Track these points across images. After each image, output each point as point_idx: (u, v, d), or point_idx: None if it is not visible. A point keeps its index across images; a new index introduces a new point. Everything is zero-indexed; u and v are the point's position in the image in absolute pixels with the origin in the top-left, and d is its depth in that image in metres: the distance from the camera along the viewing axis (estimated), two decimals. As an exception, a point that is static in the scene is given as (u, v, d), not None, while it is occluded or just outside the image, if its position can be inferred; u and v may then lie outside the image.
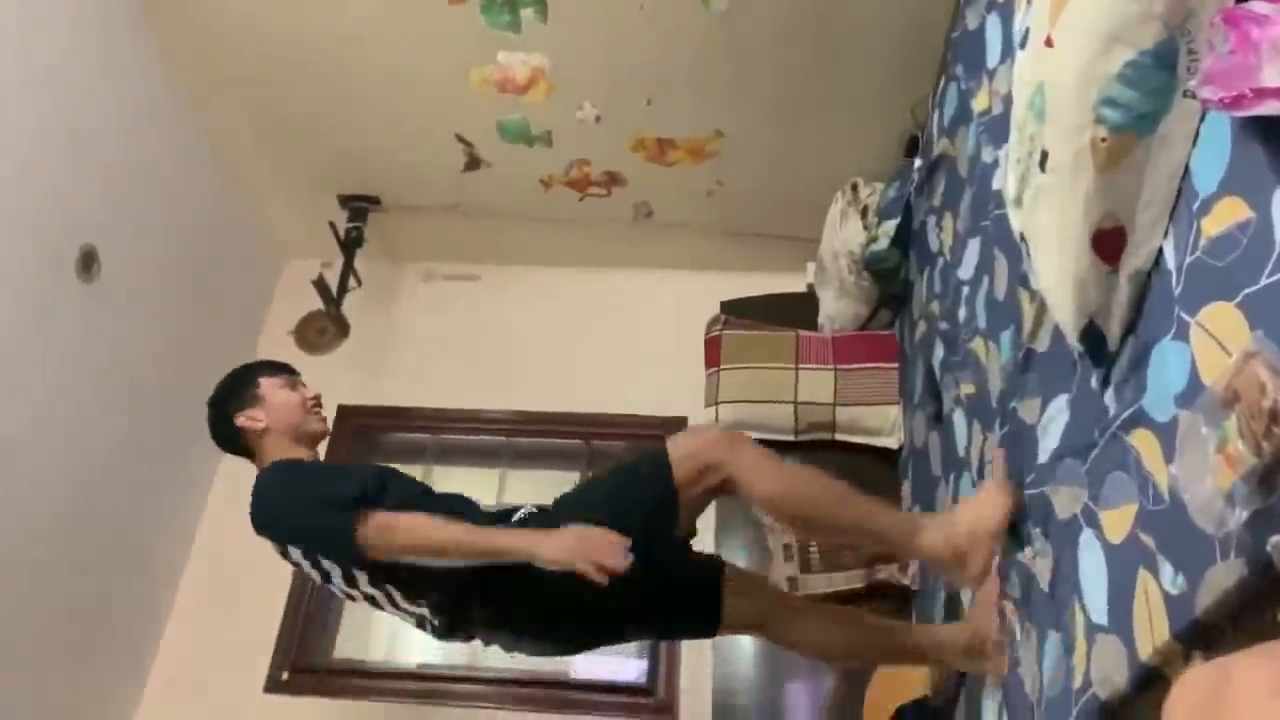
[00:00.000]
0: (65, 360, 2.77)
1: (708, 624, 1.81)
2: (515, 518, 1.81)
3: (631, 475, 1.81)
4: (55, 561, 2.78)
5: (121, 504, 3.04)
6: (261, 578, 3.24)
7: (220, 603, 3.24)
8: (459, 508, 1.79)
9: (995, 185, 1.86)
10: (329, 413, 3.36)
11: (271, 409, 1.93)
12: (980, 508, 1.66)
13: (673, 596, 1.80)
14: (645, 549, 1.65)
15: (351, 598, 1.82)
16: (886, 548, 1.99)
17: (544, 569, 1.63)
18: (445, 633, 1.83)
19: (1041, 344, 1.59)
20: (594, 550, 1.60)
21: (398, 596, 1.77)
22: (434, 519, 1.66)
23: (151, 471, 3.17)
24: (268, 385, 1.95)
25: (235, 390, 1.96)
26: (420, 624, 1.85)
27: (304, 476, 1.84)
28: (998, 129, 1.84)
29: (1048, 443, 1.52)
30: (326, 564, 1.76)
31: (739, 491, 1.74)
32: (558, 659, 2.77)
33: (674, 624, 1.90)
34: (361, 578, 1.75)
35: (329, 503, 1.70)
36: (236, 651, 3.16)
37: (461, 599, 1.77)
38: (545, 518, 1.79)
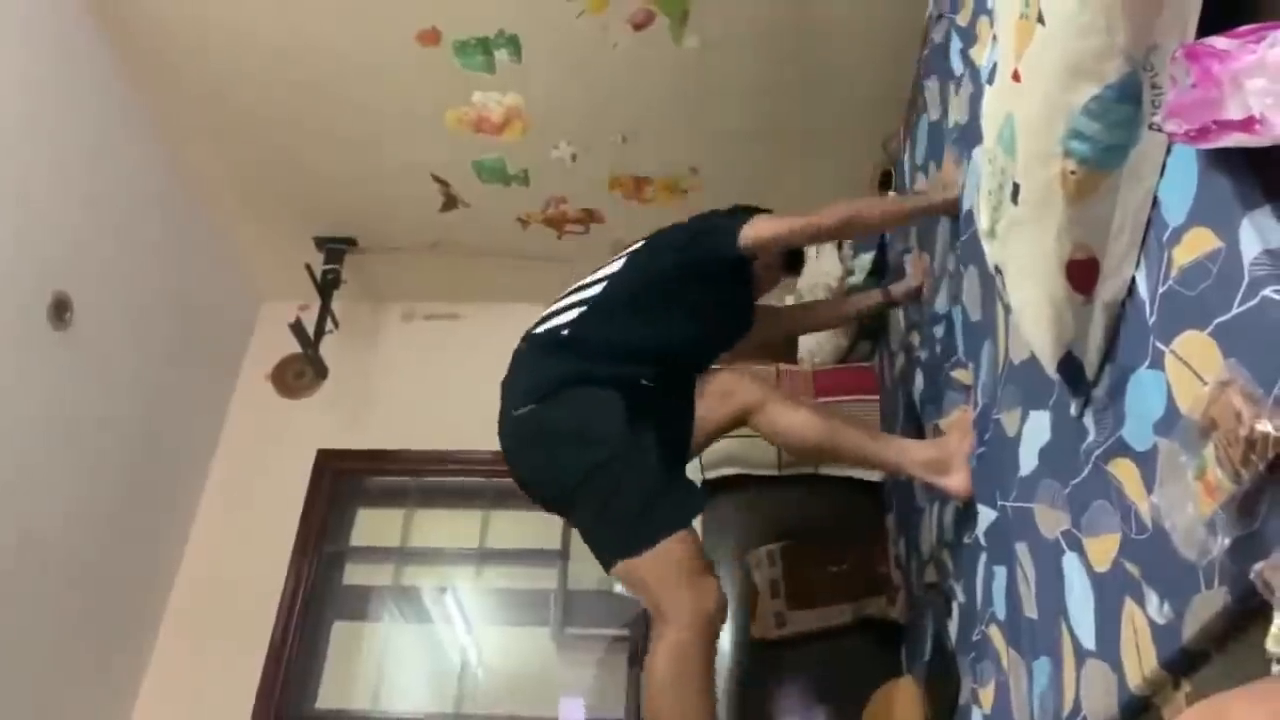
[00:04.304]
0: (39, 410, 2.73)
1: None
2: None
3: None
4: (28, 614, 2.72)
5: (97, 554, 2.98)
6: (242, 628, 3.20)
7: (201, 653, 3.18)
8: None
9: (966, 206, 1.88)
10: (307, 459, 3.36)
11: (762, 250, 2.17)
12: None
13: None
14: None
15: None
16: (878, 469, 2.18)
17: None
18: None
19: (1017, 355, 1.60)
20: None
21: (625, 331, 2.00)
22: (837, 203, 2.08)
23: (128, 521, 3.12)
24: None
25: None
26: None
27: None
28: (968, 140, 1.87)
29: (1029, 457, 1.53)
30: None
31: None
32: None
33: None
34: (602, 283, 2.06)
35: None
36: (218, 703, 3.10)
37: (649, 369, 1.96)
38: None
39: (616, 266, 2.10)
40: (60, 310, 2.78)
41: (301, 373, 3.67)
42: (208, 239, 3.57)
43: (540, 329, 2.04)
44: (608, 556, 1.85)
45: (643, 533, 1.79)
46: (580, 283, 2.11)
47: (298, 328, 3.41)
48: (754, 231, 2.00)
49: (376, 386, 3.70)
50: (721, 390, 1.99)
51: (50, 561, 2.80)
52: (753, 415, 1.98)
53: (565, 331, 2.00)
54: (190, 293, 3.47)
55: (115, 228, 3.05)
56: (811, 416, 1.99)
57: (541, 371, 1.96)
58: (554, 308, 2.08)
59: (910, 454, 1.97)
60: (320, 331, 3.54)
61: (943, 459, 1.89)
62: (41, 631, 2.77)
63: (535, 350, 2.02)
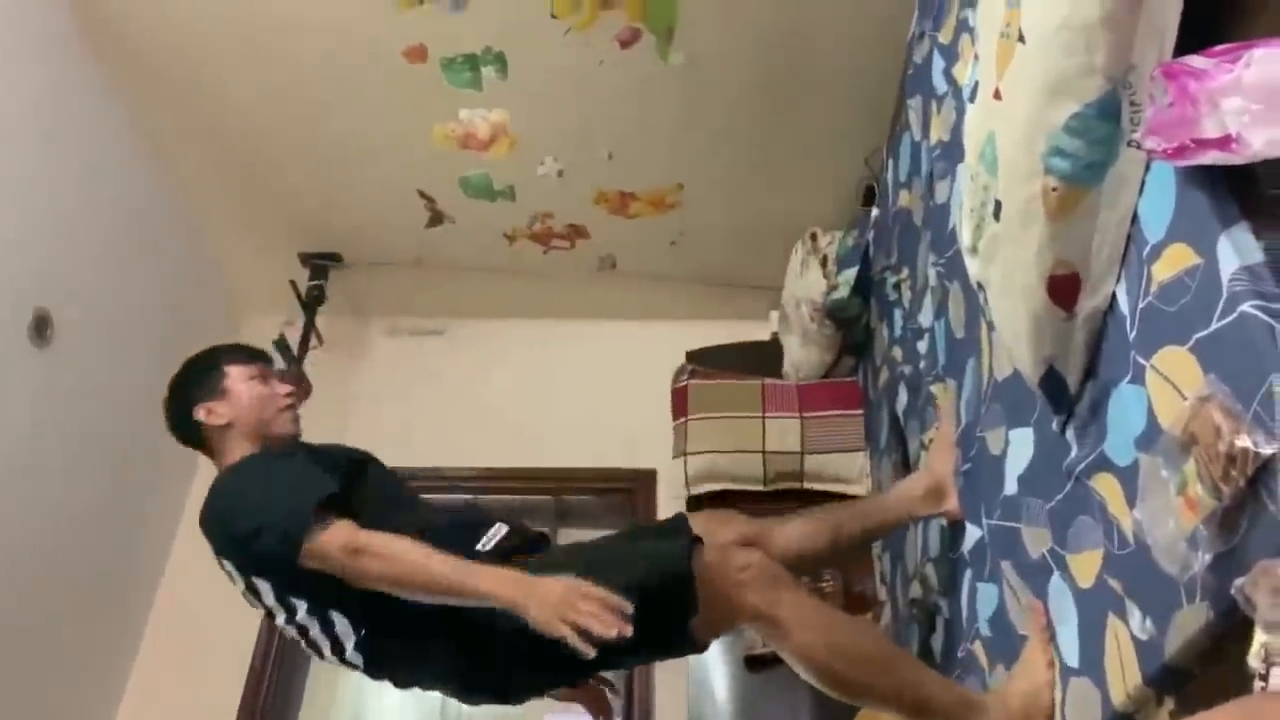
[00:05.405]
0: (20, 428, 2.70)
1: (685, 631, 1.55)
2: (487, 543, 1.62)
3: (649, 587, 1.50)
4: (7, 632, 2.68)
5: (78, 573, 2.95)
6: (222, 647, 3.16)
7: (179, 673, 3.14)
8: (424, 521, 1.62)
9: (951, 223, 1.89)
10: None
11: (236, 403, 1.76)
12: (1029, 683, 1.40)
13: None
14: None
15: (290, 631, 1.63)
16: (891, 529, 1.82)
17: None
18: (374, 666, 1.64)
19: (1001, 372, 1.60)
20: (584, 615, 1.34)
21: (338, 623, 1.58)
22: (410, 544, 1.47)
23: (109, 539, 3.09)
24: (235, 375, 1.78)
25: (198, 376, 1.79)
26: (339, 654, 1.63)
27: (258, 473, 1.66)
28: (951, 158, 1.88)
29: (1012, 474, 1.53)
30: (260, 584, 1.55)
31: (772, 639, 1.56)
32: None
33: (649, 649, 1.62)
34: (300, 605, 1.57)
35: (285, 505, 1.53)
36: (196, 725, 3.07)
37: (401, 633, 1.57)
38: (526, 547, 1.66)
39: (282, 609, 1.66)
40: (41, 327, 2.76)
41: (285, 389, 3.65)
42: (191, 254, 3.55)
43: (373, 678, 1.70)
44: (676, 644, 1.57)
45: (662, 598, 1.48)
46: (304, 641, 1.69)
47: (282, 344, 3.39)
48: (316, 540, 1.51)
49: (361, 403, 3.68)
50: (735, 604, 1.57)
51: (30, 580, 2.76)
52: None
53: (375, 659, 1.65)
54: (173, 309, 3.45)
55: (97, 243, 3.03)
56: (806, 523, 1.83)
57: (436, 670, 1.65)
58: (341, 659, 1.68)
59: (908, 495, 1.89)
60: (305, 348, 3.52)
61: (935, 485, 1.86)
62: (20, 651, 2.73)
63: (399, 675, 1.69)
